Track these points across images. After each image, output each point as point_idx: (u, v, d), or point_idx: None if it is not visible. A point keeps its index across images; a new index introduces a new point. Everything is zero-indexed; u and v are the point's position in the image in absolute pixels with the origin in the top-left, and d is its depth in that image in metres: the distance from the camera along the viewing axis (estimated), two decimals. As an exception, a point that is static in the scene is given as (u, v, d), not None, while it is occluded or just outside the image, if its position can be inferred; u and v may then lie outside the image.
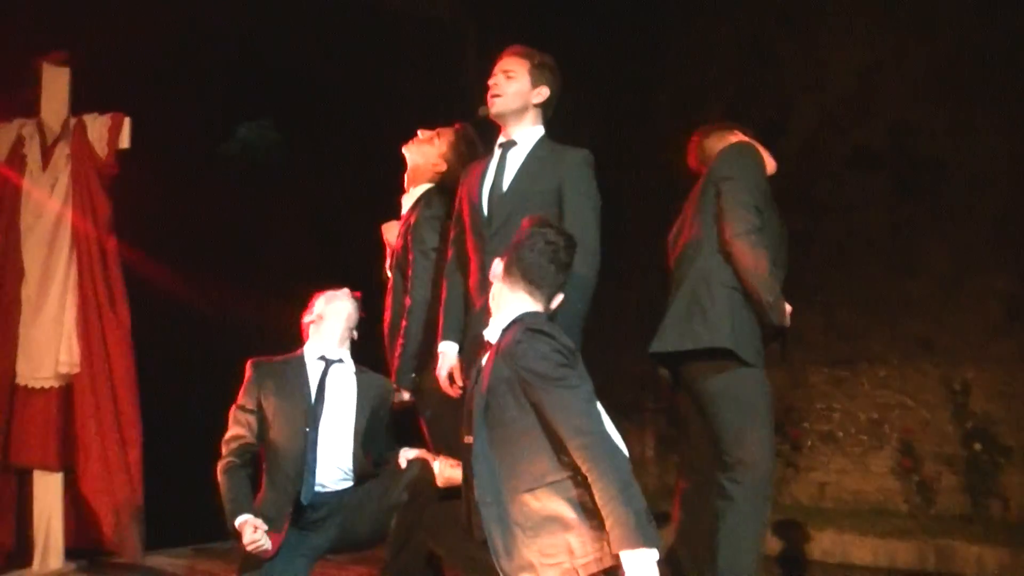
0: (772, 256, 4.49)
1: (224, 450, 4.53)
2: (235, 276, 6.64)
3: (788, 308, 4.48)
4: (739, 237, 4.43)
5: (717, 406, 4.45)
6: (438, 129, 5.12)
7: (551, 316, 3.74)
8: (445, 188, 5.00)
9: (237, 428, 4.54)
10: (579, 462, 3.30)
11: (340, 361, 4.72)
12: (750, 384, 4.42)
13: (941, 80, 7.31)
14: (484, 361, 3.64)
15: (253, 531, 4.25)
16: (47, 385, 5.27)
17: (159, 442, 5.50)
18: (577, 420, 3.32)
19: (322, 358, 4.68)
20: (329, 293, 4.82)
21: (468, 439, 3.59)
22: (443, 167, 5.04)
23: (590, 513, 3.32)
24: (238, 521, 4.29)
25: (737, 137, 4.78)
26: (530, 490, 3.40)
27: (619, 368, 7.62)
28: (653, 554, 3.19)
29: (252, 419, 4.54)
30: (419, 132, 5.15)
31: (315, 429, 4.52)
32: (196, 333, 6.65)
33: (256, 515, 4.32)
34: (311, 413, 4.53)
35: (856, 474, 7.39)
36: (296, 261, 6.87)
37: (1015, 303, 6.95)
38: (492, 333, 3.65)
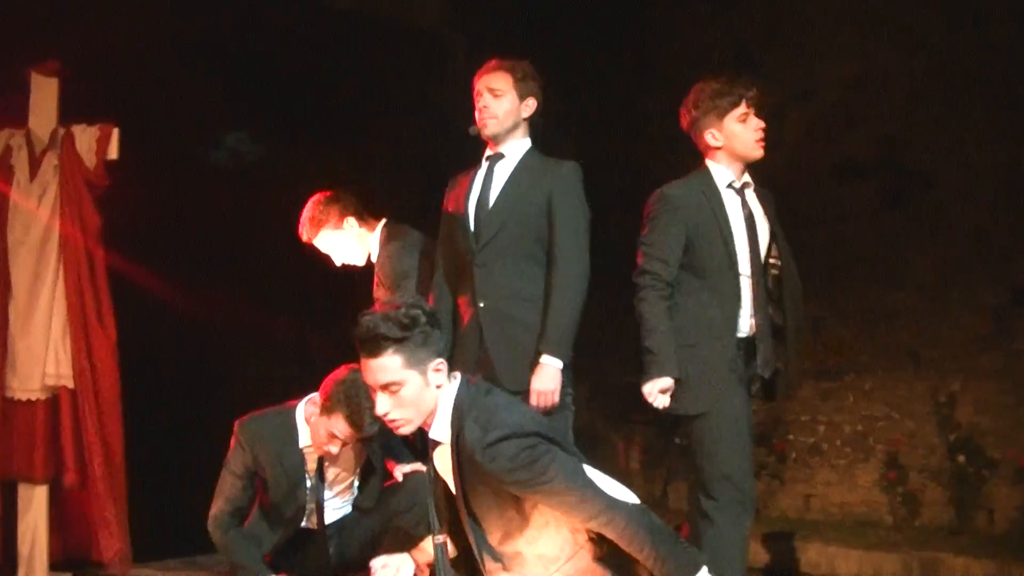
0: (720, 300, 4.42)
1: (218, 505, 4.53)
2: (227, 284, 6.62)
3: (655, 399, 4.33)
4: (639, 296, 4.37)
5: (689, 426, 4.44)
6: (310, 220, 5.16)
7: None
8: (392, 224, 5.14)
9: (232, 491, 4.54)
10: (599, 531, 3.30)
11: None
12: (719, 409, 4.39)
13: (928, 92, 7.33)
14: (438, 462, 3.54)
15: None
16: (34, 397, 5.24)
17: (147, 452, 5.48)
18: (575, 502, 3.27)
19: (309, 446, 4.54)
20: (344, 404, 4.32)
21: (439, 538, 3.59)
22: (352, 220, 5.13)
23: (619, 560, 3.32)
24: None
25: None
26: (556, 573, 3.38)
27: (607, 378, 7.64)
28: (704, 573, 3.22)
29: (246, 484, 4.55)
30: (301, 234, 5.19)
31: (321, 508, 4.55)
32: (187, 341, 6.63)
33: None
34: (312, 494, 4.54)
35: (842, 486, 7.40)
36: (286, 270, 6.87)
37: (1001, 315, 6.97)
38: (440, 433, 3.47)
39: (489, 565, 3.42)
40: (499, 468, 3.27)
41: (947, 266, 7.13)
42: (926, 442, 7.09)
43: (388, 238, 5.12)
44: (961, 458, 6.88)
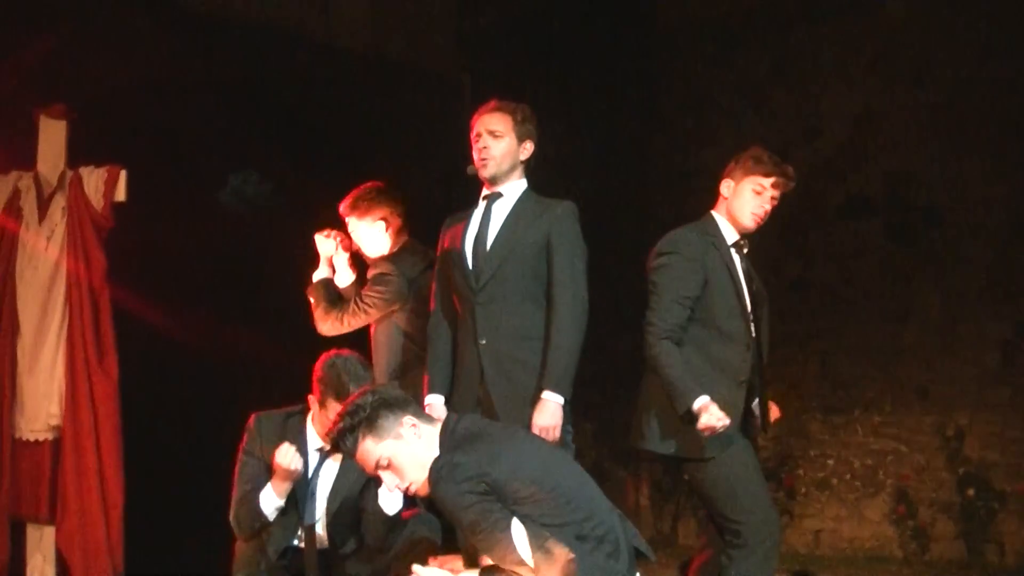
0: (725, 343, 4.49)
1: (241, 490, 4.41)
2: (234, 322, 6.65)
3: (718, 419, 4.30)
4: (649, 342, 4.44)
5: (700, 472, 4.47)
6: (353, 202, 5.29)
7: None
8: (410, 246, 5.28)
9: (252, 471, 4.42)
10: None
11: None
12: (732, 452, 4.44)
13: (934, 128, 7.37)
14: None
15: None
16: (41, 438, 5.28)
17: (151, 491, 5.48)
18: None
19: (320, 449, 4.49)
20: (333, 391, 4.34)
21: None
22: (384, 224, 5.27)
23: None
24: None
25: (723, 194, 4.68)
26: None
27: (614, 415, 7.64)
28: None
29: (260, 466, 4.41)
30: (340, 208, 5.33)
31: (311, 521, 4.43)
32: (195, 381, 6.66)
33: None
34: (305, 503, 4.43)
35: (851, 521, 7.39)
36: (297, 310, 6.91)
37: (1008, 349, 6.98)
38: None
39: None
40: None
41: (954, 301, 7.15)
42: (935, 476, 7.09)
43: (395, 257, 5.19)
44: (970, 492, 6.89)
